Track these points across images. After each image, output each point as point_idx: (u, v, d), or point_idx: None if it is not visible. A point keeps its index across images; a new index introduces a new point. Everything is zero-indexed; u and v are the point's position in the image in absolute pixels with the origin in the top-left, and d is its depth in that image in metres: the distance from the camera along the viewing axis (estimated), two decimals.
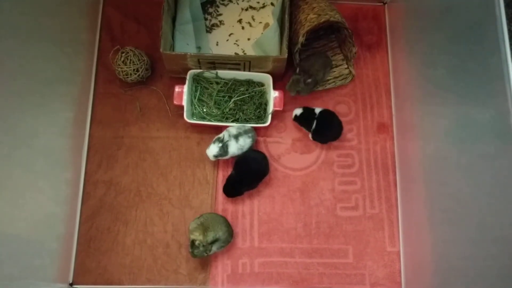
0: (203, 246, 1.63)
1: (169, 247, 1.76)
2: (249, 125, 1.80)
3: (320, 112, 1.82)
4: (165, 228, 1.78)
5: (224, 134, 1.75)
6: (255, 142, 1.82)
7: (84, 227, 1.77)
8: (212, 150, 1.75)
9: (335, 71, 1.96)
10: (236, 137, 1.75)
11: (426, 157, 1.62)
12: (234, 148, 1.75)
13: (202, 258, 1.70)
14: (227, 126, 1.80)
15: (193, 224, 1.69)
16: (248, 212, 1.81)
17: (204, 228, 1.66)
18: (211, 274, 1.74)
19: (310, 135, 1.87)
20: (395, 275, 1.76)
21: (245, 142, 1.77)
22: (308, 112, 1.83)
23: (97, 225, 1.77)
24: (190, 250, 1.65)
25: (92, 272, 1.73)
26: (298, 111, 1.84)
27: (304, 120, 1.84)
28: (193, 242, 1.64)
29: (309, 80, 1.79)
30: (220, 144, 1.74)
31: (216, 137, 1.77)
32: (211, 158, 1.77)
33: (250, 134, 1.78)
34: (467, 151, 1.32)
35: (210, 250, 1.65)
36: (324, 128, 1.83)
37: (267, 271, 1.75)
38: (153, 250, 1.76)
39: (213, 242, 1.65)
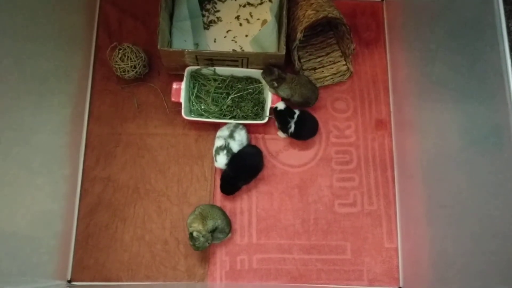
0: (203, 236, 1.62)
1: (168, 243, 1.76)
2: (234, 121, 1.81)
3: (298, 115, 1.80)
4: (163, 224, 1.78)
5: (221, 141, 1.76)
6: (250, 137, 1.85)
7: (82, 224, 1.77)
8: (221, 161, 1.75)
9: (333, 68, 1.96)
10: (231, 135, 1.76)
11: (424, 153, 1.62)
12: (236, 146, 1.76)
13: (204, 250, 1.69)
14: (225, 123, 1.81)
15: (191, 217, 1.69)
16: (246, 209, 1.81)
17: (202, 217, 1.66)
18: (210, 270, 1.74)
19: (278, 132, 1.87)
20: (393, 271, 1.76)
21: (241, 136, 1.78)
22: (289, 112, 1.80)
23: (95, 222, 1.77)
24: (190, 243, 1.64)
25: (90, 269, 1.73)
26: (281, 106, 1.80)
27: (283, 117, 1.80)
28: (191, 234, 1.63)
29: (275, 84, 1.78)
30: (225, 151, 1.74)
31: (215, 147, 1.77)
32: (223, 167, 1.77)
33: (241, 126, 1.80)
34: (465, 147, 1.32)
35: (211, 240, 1.65)
36: (301, 130, 1.82)
37: (265, 268, 1.76)
38: (152, 246, 1.76)
39: (213, 230, 1.66)
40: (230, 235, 1.74)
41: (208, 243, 1.64)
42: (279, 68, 1.79)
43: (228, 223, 1.72)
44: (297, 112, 1.80)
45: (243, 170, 1.77)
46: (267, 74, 1.78)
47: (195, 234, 1.62)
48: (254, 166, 1.79)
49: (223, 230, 1.69)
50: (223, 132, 1.78)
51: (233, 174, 1.76)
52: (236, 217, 1.80)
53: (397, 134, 1.87)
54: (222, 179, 1.78)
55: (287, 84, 1.79)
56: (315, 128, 1.84)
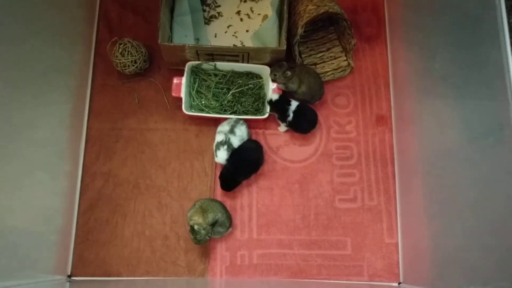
0: (204, 229, 1.62)
1: (168, 239, 1.76)
2: (235, 117, 1.81)
3: (298, 106, 1.79)
4: (163, 220, 1.78)
5: (222, 136, 1.76)
6: (251, 132, 1.85)
7: (82, 219, 1.77)
8: (222, 156, 1.75)
9: (333, 63, 1.96)
10: (232, 131, 1.76)
11: (424, 149, 1.62)
12: (236, 141, 1.76)
13: (204, 245, 1.70)
14: (225, 118, 1.80)
15: (191, 211, 1.69)
16: (247, 204, 1.81)
17: (202, 210, 1.66)
18: (210, 265, 1.74)
19: (279, 127, 1.88)
20: (393, 266, 1.76)
21: (242, 131, 1.78)
22: (284, 101, 1.79)
23: (95, 217, 1.77)
24: (191, 237, 1.64)
25: (90, 264, 1.73)
26: (275, 96, 1.79)
27: (280, 106, 1.79)
28: (192, 228, 1.63)
29: (288, 73, 1.77)
30: (226, 146, 1.74)
31: (216, 142, 1.77)
32: (224, 162, 1.77)
33: (241, 122, 1.80)
34: (466, 144, 1.31)
35: (211, 233, 1.65)
36: (300, 120, 1.81)
37: (265, 263, 1.76)
38: (152, 242, 1.76)
39: (214, 223, 1.66)
40: (230, 229, 1.74)
41: (209, 236, 1.64)
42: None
43: (228, 217, 1.72)
44: (296, 102, 1.80)
45: (243, 165, 1.77)
46: (277, 70, 1.78)
47: (196, 227, 1.62)
48: (254, 161, 1.79)
49: (224, 223, 1.69)
50: (224, 127, 1.78)
51: (233, 169, 1.75)
52: (236, 212, 1.80)
53: (397, 129, 1.87)
54: (221, 176, 1.78)
55: (296, 75, 1.79)
56: (315, 120, 1.84)
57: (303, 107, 1.80)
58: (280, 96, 1.79)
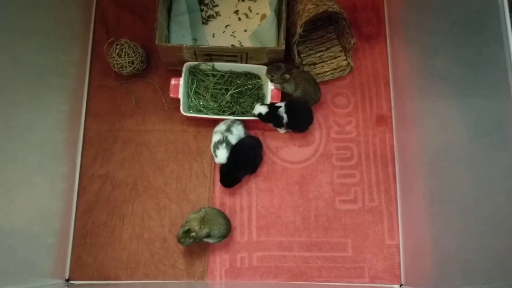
0: (194, 238, 1.61)
1: (167, 241, 1.75)
2: (234, 118, 1.79)
3: (286, 105, 1.77)
4: (162, 222, 1.77)
5: (219, 136, 1.75)
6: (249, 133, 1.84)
7: (80, 222, 1.76)
8: (222, 155, 1.74)
9: (333, 63, 1.94)
10: (228, 130, 1.75)
11: (425, 149, 1.61)
12: (234, 139, 1.75)
13: (203, 247, 1.69)
14: (224, 119, 1.79)
15: (193, 215, 1.67)
16: (246, 206, 1.79)
17: (203, 221, 1.63)
18: (209, 268, 1.73)
19: (280, 130, 1.86)
20: (395, 268, 1.75)
21: (239, 130, 1.77)
22: (274, 110, 1.76)
23: (93, 220, 1.76)
24: (179, 235, 1.62)
25: (88, 267, 1.72)
26: (262, 109, 1.75)
27: (272, 116, 1.77)
28: (188, 230, 1.61)
29: (287, 76, 1.76)
30: (224, 144, 1.73)
31: (213, 143, 1.76)
32: (225, 161, 1.75)
33: (238, 122, 1.78)
34: (468, 143, 1.30)
35: (199, 240, 1.65)
36: (295, 119, 1.79)
37: (265, 265, 1.74)
38: (150, 244, 1.74)
39: (205, 237, 1.64)
40: (230, 234, 1.72)
41: (195, 242, 1.64)
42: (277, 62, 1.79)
43: (229, 230, 1.70)
44: (282, 103, 1.78)
45: (243, 160, 1.76)
46: (275, 71, 1.76)
47: (193, 233, 1.60)
48: (253, 157, 1.78)
49: (223, 235, 1.67)
50: (220, 127, 1.77)
51: (232, 164, 1.74)
52: (236, 214, 1.78)
53: (398, 129, 1.85)
54: (221, 172, 1.77)
55: (293, 78, 1.77)
56: (310, 116, 1.82)
57: (293, 105, 1.78)
58: (268, 107, 1.76)
